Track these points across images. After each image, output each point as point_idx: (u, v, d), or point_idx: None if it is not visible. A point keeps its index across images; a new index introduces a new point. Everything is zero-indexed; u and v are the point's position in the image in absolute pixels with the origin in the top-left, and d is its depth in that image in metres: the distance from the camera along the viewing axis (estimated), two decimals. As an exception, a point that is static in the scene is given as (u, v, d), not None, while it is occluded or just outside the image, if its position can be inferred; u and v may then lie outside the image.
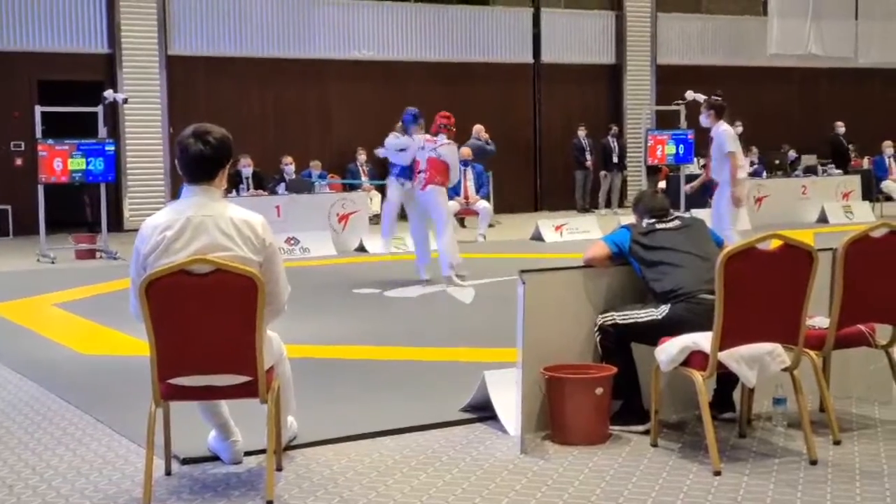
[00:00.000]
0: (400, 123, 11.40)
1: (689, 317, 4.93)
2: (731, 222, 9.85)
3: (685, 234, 5.34)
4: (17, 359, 7.38)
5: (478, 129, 18.64)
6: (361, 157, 19.74)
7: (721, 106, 10.03)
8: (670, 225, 5.38)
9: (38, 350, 7.81)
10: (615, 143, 21.17)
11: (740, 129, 16.27)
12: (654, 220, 5.41)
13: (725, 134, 9.88)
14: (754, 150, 21.28)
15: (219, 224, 4.28)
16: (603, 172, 20.90)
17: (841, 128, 21.07)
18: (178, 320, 4.18)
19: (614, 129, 21.37)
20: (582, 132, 20.78)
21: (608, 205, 20.83)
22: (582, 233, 15.51)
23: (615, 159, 21.04)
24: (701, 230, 5.44)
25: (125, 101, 15.32)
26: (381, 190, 19.91)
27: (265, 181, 15.96)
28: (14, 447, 5.15)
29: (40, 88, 17.57)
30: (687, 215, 5.69)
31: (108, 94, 14.71)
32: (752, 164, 20.21)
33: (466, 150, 15.99)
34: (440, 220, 10.81)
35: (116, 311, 9.12)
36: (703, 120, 10.08)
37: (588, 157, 20.70)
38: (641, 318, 5.12)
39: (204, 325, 4.18)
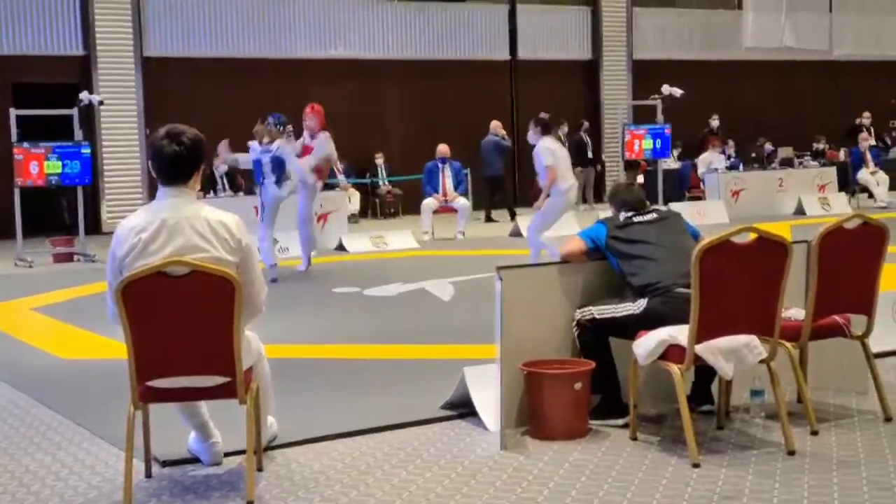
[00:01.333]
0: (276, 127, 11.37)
1: (665, 310, 4.96)
2: (539, 228, 10.85)
3: (661, 226, 5.36)
4: (-5, 364, 7.34)
5: (495, 125, 18.78)
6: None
7: (546, 123, 10.62)
8: (647, 217, 5.41)
9: (16, 354, 7.77)
10: (588, 139, 21.24)
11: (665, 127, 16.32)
12: (631, 214, 5.43)
13: (541, 149, 10.44)
14: (730, 143, 21.40)
15: (194, 225, 4.27)
16: (578, 168, 20.93)
17: (867, 118, 21.10)
18: (155, 322, 4.17)
19: (586, 124, 21.42)
20: (563, 129, 20.83)
21: (584, 200, 20.89)
22: (560, 229, 15.49)
23: (589, 154, 21.10)
24: (677, 223, 5.46)
25: (101, 102, 15.25)
26: (359, 188, 20.00)
27: (241, 182, 15.93)
28: (-7, 452, 5.13)
29: (15, 91, 17.44)
30: (664, 208, 5.71)
31: (84, 96, 14.64)
32: (728, 157, 20.33)
33: (444, 148, 15.99)
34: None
35: (95, 315, 9.07)
36: (531, 136, 10.61)
37: (590, 153, 20.88)
38: (619, 312, 5.15)
39: (181, 327, 4.18)
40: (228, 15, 19.70)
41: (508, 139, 18.57)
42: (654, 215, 5.45)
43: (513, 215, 17.72)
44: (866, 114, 21.15)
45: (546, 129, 10.54)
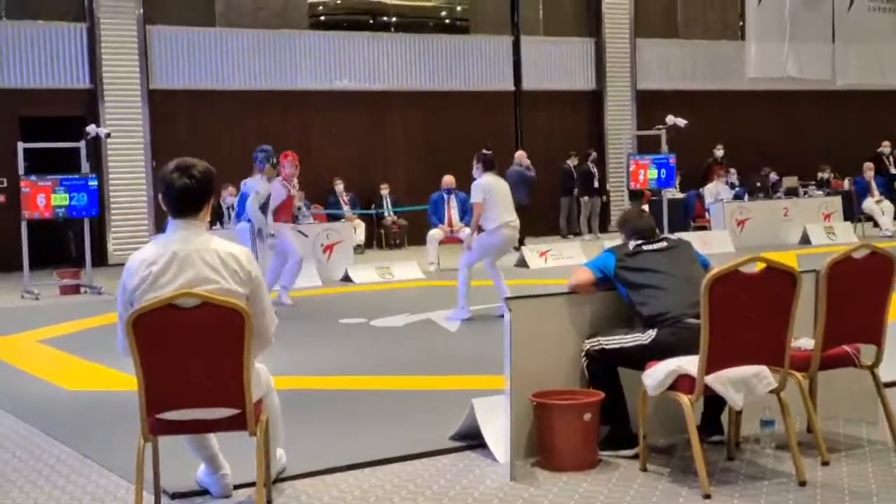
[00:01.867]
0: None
1: (674, 341, 4.95)
2: (464, 264, 10.42)
3: (670, 255, 5.36)
4: (3, 396, 7.34)
5: (519, 155, 18.88)
6: (339, 186, 19.79)
7: (487, 159, 10.47)
8: (656, 246, 5.41)
9: (24, 387, 7.77)
10: (594, 169, 21.32)
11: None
12: (640, 242, 5.43)
13: (474, 185, 10.39)
14: (733, 171, 21.43)
15: (204, 257, 4.28)
16: (584, 198, 21.02)
17: (886, 147, 21.16)
18: (165, 355, 4.17)
19: (593, 154, 21.53)
20: (572, 160, 20.98)
21: (590, 230, 20.94)
22: (566, 258, 15.55)
23: (595, 184, 21.20)
24: (687, 251, 5.46)
25: (108, 135, 15.33)
26: (364, 219, 20.04)
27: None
28: (1, 485, 5.12)
29: (22, 124, 17.53)
30: (674, 237, 5.72)
31: (91, 128, 14.72)
32: (732, 186, 20.36)
33: (449, 178, 16.02)
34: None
35: (102, 347, 9.10)
36: (474, 172, 10.49)
37: (576, 183, 20.90)
38: (628, 343, 5.14)
39: (192, 359, 4.18)
40: (234, 47, 19.81)
41: (533, 169, 18.67)
42: (664, 244, 5.45)
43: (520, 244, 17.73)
44: (885, 143, 21.21)
45: (487, 165, 10.41)
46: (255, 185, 10.88)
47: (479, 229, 10.34)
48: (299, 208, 16.83)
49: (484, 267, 10.61)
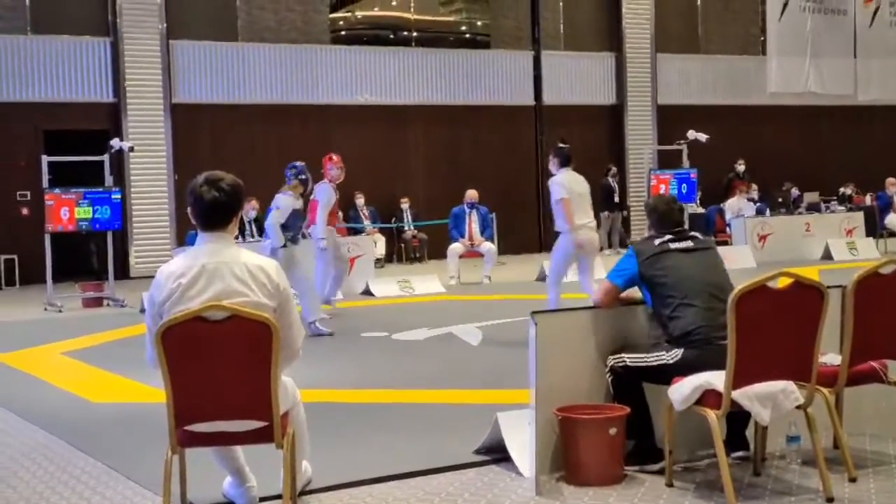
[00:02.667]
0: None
1: (700, 361, 4.90)
2: (557, 274, 9.78)
3: (698, 259, 5.28)
4: (28, 407, 7.38)
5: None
6: (360, 200, 19.84)
7: (563, 154, 9.79)
8: (683, 245, 5.32)
9: (49, 399, 7.82)
10: (615, 184, 21.34)
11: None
12: (667, 238, 5.35)
13: (552, 182, 9.72)
14: (755, 187, 21.37)
15: (233, 270, 4.31)
16: (605, 213, 21.02)
17: None
18: (194, 367, 4.19)
19: (613, 169, 21.55)
20: (613, 177, 21.09)
21: (609, 245, 20.91)
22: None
23: (616, 199, 21.22)
24: (714, 257, 5.38)
25: (131, 149, 15.44)
26: (384, 233, 20.08)
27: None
28: (29, 496, 5.15)
29: (46, 138, 17.68)
30: (701, 236, 5.55)
31: (115, 142, 14.84)
32: (753, 201, 20.30)
33: (473, 192, 16.03)
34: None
35: (125, 359, 9.16)
36: (550, 167, 9.89)
37: (616, 198, 21.02)
38: (652, 362, 5.11)
39: (220, 372, 4.20)
40: (256, 62, 19.92)
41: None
42: (691, 243, 5.35)
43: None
44: None
45: (563, 160, 9.69)
46: (277, 202, 10.86)
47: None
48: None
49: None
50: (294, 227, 10.87)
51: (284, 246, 10.62)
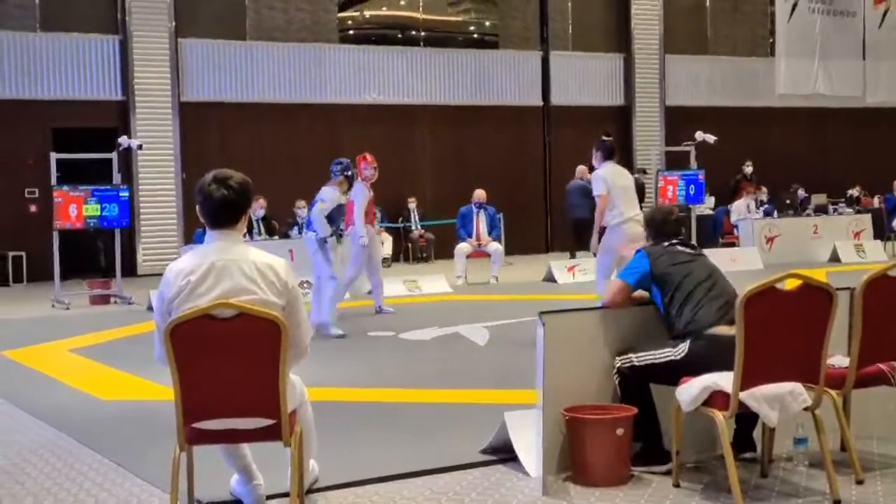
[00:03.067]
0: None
1: (707, 355, 4.92)
2: (604, 268, 9.49)
3: (700, 262, 5.39)
4: (35, 404, 7.40)
5: (581, 169, 18.99)
6: (366, 200, 19.82)
7: (607, 147, 9.60)
8: (686, 249, 5.44)
9: (56, 395, 7.83)
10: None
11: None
12: (672, 242, 5.47)
13: (595, 175, 9.54)
14: (764, 190, 21.34)
15: (242, 268, 4.31)
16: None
17: None
18: (202, 364, 4.20)
19: (646, 169, 21.52)
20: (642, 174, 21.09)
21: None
22: (594, 274, 15.49)
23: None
24: (711, 263, 5.47)
25: (140, 147, 15.45)
26: (391, 232, 20.08)
27: (276, 225, 16.07)
28: (36, 492, 5.16)
29: (54, 135, 17.73)
30: (693, 246, 5.65)
31: (123, 140, 14.86)
32: (761, 203, 20.28)
33: (481, 192, 16.02)
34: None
35: (132, 356, 9.18)
36: (593, 161, 9.73)
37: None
38: (659, 359, 5.12)
39: (228, 369, 4.20)
40: (264, 60, 19.95)
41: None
42: (690, 250, 5.47)
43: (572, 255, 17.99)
44: None
45: (606, 153, 9.47)
46: (322, 195, 10.86)
47: (602, 228, 9.50)
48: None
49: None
50: (337, 221, 10.88)
51: (331, 236, 10.61)
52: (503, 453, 5.38)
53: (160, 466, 4.85)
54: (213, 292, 4.25)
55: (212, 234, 4.43)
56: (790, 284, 4.69)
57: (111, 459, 5.72)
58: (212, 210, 4.39)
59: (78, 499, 5.03)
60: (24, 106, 18.04)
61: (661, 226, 5.60)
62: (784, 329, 4.63)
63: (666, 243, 5.46)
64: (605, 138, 9.93)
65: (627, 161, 22.65)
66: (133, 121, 18.55)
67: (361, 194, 11.42)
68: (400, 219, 20.61)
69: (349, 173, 11.07)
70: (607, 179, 9.32)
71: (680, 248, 5.44)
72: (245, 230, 4.60)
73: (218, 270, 4.29)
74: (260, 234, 15.54)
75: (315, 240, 10.69)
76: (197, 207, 4.47)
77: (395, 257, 20.14)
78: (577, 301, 10.54)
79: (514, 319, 10.81)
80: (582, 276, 15.44)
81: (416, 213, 20.57)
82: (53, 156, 14.45)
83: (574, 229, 19.01)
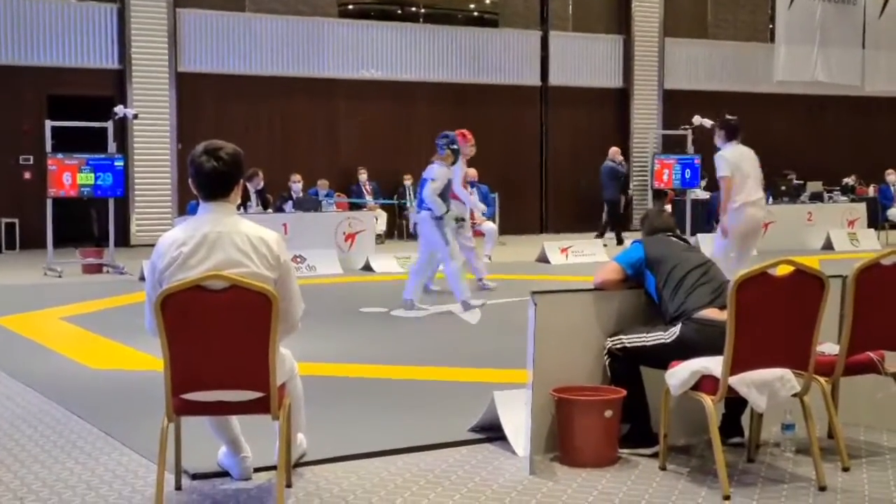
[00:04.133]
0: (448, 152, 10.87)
1: (698, 339, 4.93)
2: (722, 252, 9.25)
3: (695, 252, 5.51)
4: (25, 371, 7.40)
5: (613, 151, 19.19)
6: (363, 176, 19.82)
7: (731, 126, 9.45)
8: (680, 242, 5.56)
9: (46, 363, 7.83)
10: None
11: None
12: (666, 234, 5.59)
13: (718, 156, 9.35)
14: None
15: (234, 240, 4.30)
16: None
17: None
18: (192, 336, 4.19)
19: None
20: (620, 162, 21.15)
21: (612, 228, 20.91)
22: (587, 255, 15.55)
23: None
24: (702, 255, 5.59)
25: (135, 116, 15.40)
26: (386, 209, 20.06)
27: (270, 199, 16.03)
28: (24, 460, 5.16)
29: (50, 103, 17.66)
30: (687, 239, 5.80)
31: (119, 109, 14.80)
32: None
33: (472, 171, 15.99)
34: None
35: (123, 326, 9.18)
36: (716, 141, 9.59)
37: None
38: (650, 341, 5.13)
39: (218, 341, 4.20)
40: (263, 33, 19.87)
41: (625, 165, 19.16)
42: (684, 244, 5.57)
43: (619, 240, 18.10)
44: None
45: (730, 133, 9.23)
46: (432, 172, 10.65)
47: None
48: (327, 195, 16.90)
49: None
50: (447, 197, 10.71)
51: (447, 212, 10.48)
52: (491, 432, 5.39)
53: (149, 437, 4.85)
54: (205, 264, 4.24)
55: (205, 206, 4.41)
56: (782, 270, 4.69)
57: (100, 429, 5.73)
58: (203, 182, 4.38)
59: (66, 466, 5.03)
60: (21, 72, 17.97)
61: (656, 219, 5.71)
62: (775, 315, 4.64)
63: (660, 234, 5.56)
64: (728, 117, 9.70)
65: (624, 144, 22.67)
66: (129, 90, 18.49)
67: (459, 171, 11.37)
68: (395, 196, 20.58)
69: (455, 147, 10.94)
70: (731, 161, 9.11)
71: (675, 239, 5.55)
72: (238, 201, 4.59)
73: (210, 242, 4.28)
74: (255, 205, 15.51)
75: (431, 218, 10.52)
76: (189, 179, 4.46)
77: (389, 234, 20.13)
78: (571, 282, 10.56)
79: (507, 299, 10.81)
80: (575, 258, 15.47)
81: (411, 190, 20.54)
82: (49, 123, 14.39)
83: (606, 210, 19.24)
